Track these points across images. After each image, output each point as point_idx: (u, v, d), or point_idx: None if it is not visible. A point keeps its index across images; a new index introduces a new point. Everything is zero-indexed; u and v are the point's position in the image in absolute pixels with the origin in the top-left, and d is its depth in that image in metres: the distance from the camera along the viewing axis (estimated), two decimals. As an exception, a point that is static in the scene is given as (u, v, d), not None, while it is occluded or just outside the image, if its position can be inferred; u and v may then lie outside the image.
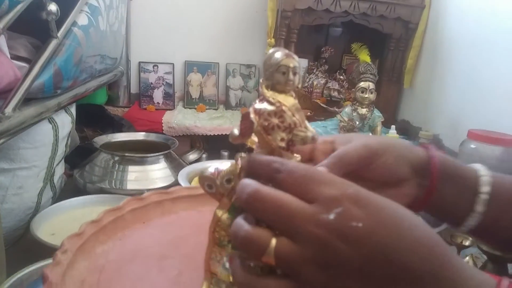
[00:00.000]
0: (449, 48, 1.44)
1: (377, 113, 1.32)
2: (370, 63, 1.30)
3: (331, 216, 0.23)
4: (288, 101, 0.30)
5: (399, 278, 0.22)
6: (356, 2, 1.50)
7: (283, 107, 0.29)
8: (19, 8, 0.61)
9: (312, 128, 0.31)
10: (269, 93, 0.30)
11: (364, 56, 1.31)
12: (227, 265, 0.30)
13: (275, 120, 0.29)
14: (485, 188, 0.35)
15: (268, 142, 0.29)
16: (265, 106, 0.29)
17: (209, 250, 0.31)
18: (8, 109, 0.63)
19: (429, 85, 1.54)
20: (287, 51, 0.29)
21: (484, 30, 1.25)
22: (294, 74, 0.29)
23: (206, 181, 0.32)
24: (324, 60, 1.74)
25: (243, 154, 0.31)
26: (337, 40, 1.87)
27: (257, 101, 0.31)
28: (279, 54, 0.29)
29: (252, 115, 0.29)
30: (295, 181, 0.25)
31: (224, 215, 0.29)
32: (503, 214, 0.36)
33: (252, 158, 0.28)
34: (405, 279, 0.22)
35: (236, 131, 0.31)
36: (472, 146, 1.02)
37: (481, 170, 0.37)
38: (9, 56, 0.68)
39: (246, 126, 0.30)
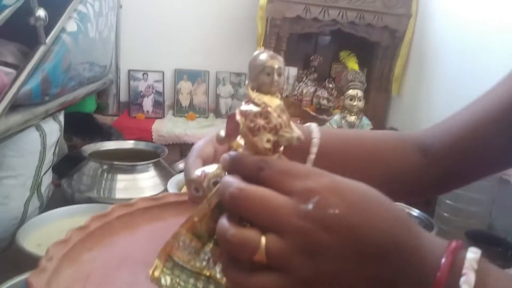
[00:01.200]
0: (435, 56, 1.46)
1: (365, 120, 1.33)
2: (358, 71, 1.31)
3: (310, 206, 0.24)
4: (274, 102, 0.30)
5: (371, 254, 0.25)
6: (344, 10, 1.53)
7: (269, 108, 0.30)
8: (6, 13, 0.61)
9: (297, 129, 0.31)
10: (254, 95, 0.30)
11: (352, 64, 1.32)
12: (205, 257, 0.30)
13: (261, 121, 0.29)
14: (313, 149, 0.41)
15: (254, 144, 0.29)
16: (250, 107, 0.30)
17: (178, 234, 0.31)
18: (-6, 116, 0.62)
19: (417, 93, 1.56)
20: (272, 52, 0.30)
21: (469, 38, 1.28)
22: (279, 75, 0.30)
23: (193, 184, 0.32)
24: (313, 69, 1.76)
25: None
26: (326, 49, 1.89)
27: (243, 103, 0.31)
28: (264, 56, 0.29)
29: (238, 117, 0.29)
30: (274, 177, 0.26)
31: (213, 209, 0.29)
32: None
33: (237, 156, 0.29)
34: (375, 254, 0.25)
35: (222, 133, 0.31)
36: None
37: (314, 131, 0.42)
38: (-5, 63, 0.67)
39: (232, 127, 0.30)
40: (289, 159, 0.32)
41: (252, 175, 0.27)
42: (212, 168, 0.32)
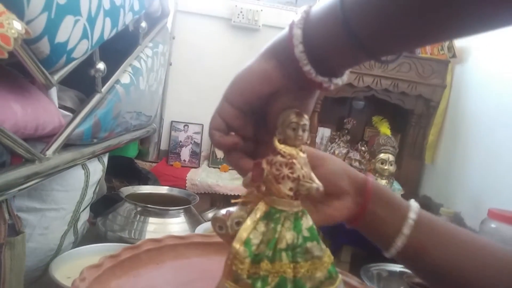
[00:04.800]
0: (470, 126, 1.46)
1: (396, 185, 1.33)
2: (390, 136, 1.33)
3: None
4: (298, 155, 0.34)
5: None
6: (378, 78, 1.58)
7: (294, 160, 0.33)
8: (73, 64, 0.69)
9: (318, 181, 0.34)
10: (281, 146, 0.34)
11: (385, 129, 1.35)
12: None
13: (286, 171, 0.33)
14: (412, 215, 0.41)
15: (277, 190, 0.33)
16: (277, 157, 0.33)
17: (221, 284, 0.33)
18: (49, 152, 0.69)
19: (451, 162, 1.54)
20: (298, 110, 0.33)
21: (504, 110, 1.28)
22: (304, 130, 0.33)
23: (218, 222, 0.35)
24: (346, 131, 1.79)
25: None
26: (360, 113, 1.93)
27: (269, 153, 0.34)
28: (291, 113, 0.33)
29: (264, 165, 0.33)
30: None
31: (241, 248, 0.31)
32: (427, 240, 0.40)
33: None
34: None
35: (249, 178, 0.34)
36: (493, 225, 1.00)
37: (413, 203, 0.43)
38: (57, 105, 0.76)
39: (257, 173, 0.33)
40: (386, 222, 0.40)
41: None
42: (235, 209, 0.35)
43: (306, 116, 0.34)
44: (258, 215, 0.32)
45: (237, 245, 0.32)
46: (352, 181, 0.42)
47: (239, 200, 0.36)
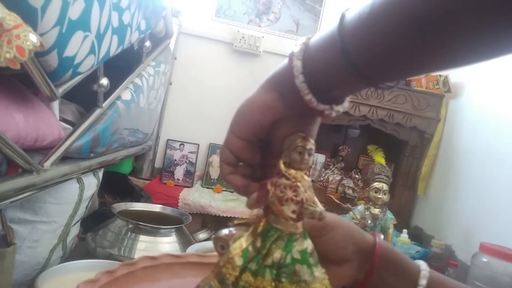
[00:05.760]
0: (463, 160, 1.48)
1: (389, 215, 1.33)
2: (384, 165, 1.34)
3: None
4: (303, 178, 0.34)
5: None
6: (374, 108, 1.61)
7: (298, 183, 0.34)
8: (78, 78, 0.70)
9: (321, 205, 0.34)
10: (286, 169, 0.34)
11: (379, 158, 1.36)
12: None
13: (290, 193, 0.33)
14: (423, 281, 0.40)
15: (280, 212, 0.33)
16: (282, 180, 0.34)
17: (206, 281, 0.33)
18: (47, 163, 0.69)
19: (443, 194, 1.55)
20: (304, 135, 0.34)
21: (497, 145, 1.31)
22: (309, 155, 0.34)
23: (220, 241, 0.35)
24: (341, 158, 1.80)
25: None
26: (355, 141, 1.95)
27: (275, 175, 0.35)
28: (297, 137, 0.34)
29: (269, 186, 0.33)
30: None
31: (237, 256, 0.32)
32: None
33: None
34: None
35: (254, 198, 0.34)
36: (484, 259, 1.00)
37: (422, 265, 0.41)
38: (58, 118, 0.76)
39: (263, 195, 0.34)
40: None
41: None
42: (237, 229, 0.35)
43: (312, 141, 0.35)
44: (258, 230, 0.33)
45: (234, 251, 0.32)
46: (358, 248, 0.41)
47: (242, 221, 0.36)
